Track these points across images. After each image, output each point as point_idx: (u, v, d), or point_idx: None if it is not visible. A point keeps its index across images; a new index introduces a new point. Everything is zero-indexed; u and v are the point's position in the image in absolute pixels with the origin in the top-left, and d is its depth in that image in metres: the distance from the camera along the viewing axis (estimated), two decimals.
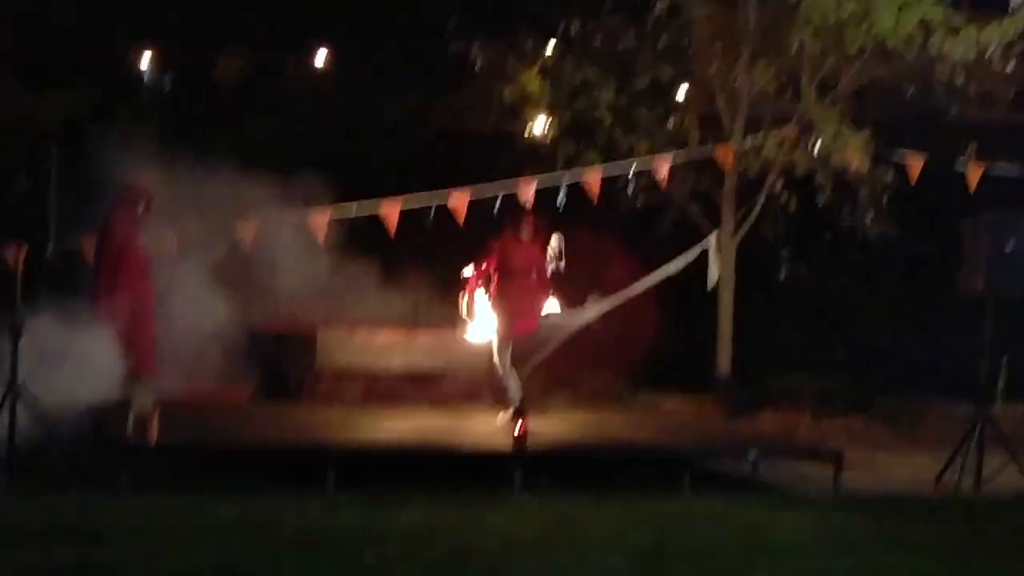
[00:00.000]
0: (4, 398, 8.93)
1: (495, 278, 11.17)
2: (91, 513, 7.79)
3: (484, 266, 11.24)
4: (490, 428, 10.61)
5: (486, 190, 12.15)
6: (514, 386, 10.86)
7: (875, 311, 15.69)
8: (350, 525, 7.81)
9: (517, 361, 11.69)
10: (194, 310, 11.14)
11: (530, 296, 11.23)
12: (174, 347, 11.06)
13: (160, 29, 16.02)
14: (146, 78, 18.16)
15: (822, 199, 14.02)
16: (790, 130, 13.92)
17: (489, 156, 14.40)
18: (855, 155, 13.38)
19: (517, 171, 13.89)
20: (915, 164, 13.20)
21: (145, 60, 16.25)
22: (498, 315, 11.05)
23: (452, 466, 9.43)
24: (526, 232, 11.34)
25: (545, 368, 12.54)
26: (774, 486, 10.09)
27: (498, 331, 10.97)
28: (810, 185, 14.07)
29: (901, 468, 11.40)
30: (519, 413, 10.57)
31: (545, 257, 11.37)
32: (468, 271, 11.39)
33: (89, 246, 11.49)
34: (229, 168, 12.26)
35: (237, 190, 11.96)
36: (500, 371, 10.89)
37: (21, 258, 9.34)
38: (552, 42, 14.42)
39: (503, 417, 10.72)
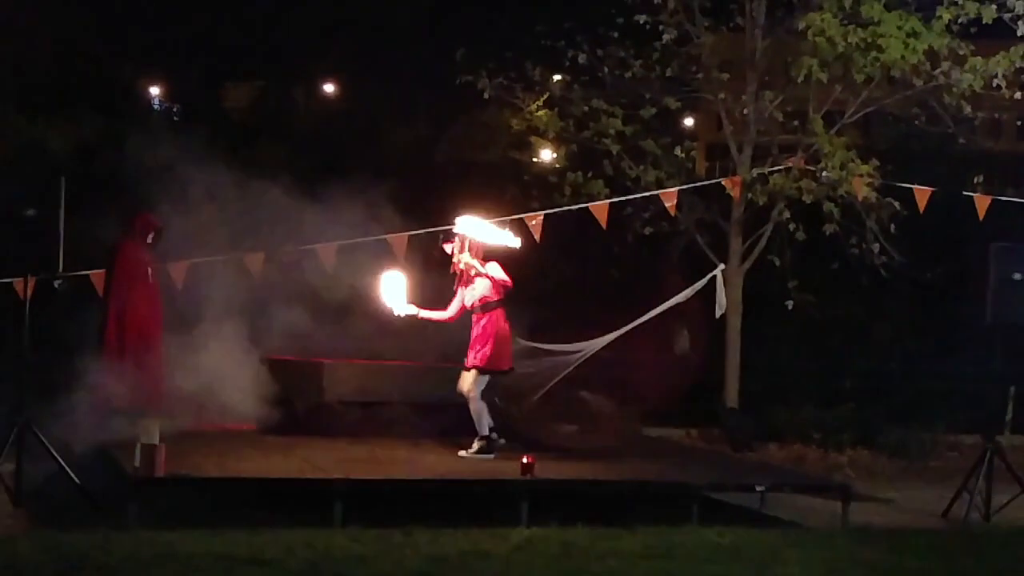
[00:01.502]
0: (13, 432, 8.92)
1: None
2: (100, 546, 7.77)
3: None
4: (495, 459, 10.58)
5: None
6: (486, 418, 10.76)
7: (882, 340, 15.69)
8: (358, 558, 7.79)
9: (517, 394, 11.67)
10: (204, 341, 11.17)
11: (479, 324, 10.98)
12: (183, 378, 11.10)
13: (169, 59, 16.11)
14: (155, 107, 18.28)
15: (829, 228, 14.02)
16: (797, 159, 13.94)
17: (496, 185, 14.45)
18: (862, 184, 13.39)
19: (525, 200, 13.97)
20: (923, 193, 13.22)
21: (154, 89, 16.35)
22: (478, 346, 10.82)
23: (459, 498, 9.40)
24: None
25: (550, 400, 12.53)
26: (782, 519, 10.06)
27: (476, 361, 10.76)
28: (817, 214, 14.07)
29: (909, 500, 11.35)
30: (488, 446, 10.56)
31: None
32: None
33: (98, 278, 11.53)
34: (238, 198, 12.29)
35: (247, 220, 12.00)
36: (474, 402, 10.74)
37: (30, 290, 9.33)
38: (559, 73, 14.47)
39: (470, 451, 10.62)
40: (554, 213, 12.96)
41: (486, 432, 10.65)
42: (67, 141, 14.97)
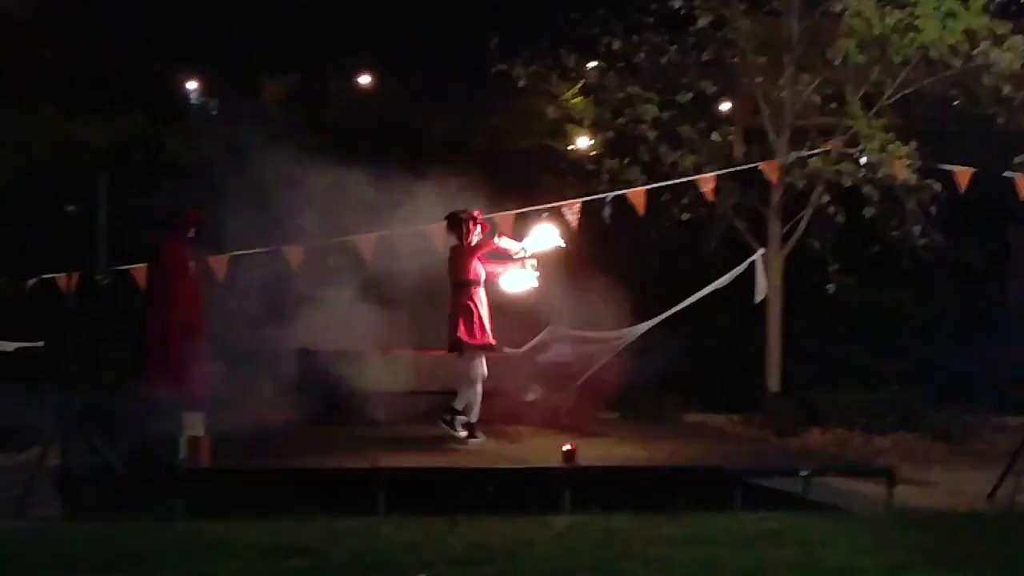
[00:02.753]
0: (57, 424, 9.01)
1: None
2: (146, 539, 7.84)
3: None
4: (539, 448, 10.60)
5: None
6: (476, 404, 10.74)
7: (925, 322, 15.58)
8: (402, 546, 7.83)
9: (558, 382, 11.67)
10: (246, 334, 11.24)
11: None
12: (226, 371, 11.18)
13: (205, 53, 16.17)
14: (192, 102, 18.36)
15: (869, 211, 13.94)
16: (836, 142, 13.86)
17: (533, 173, 14.44)
18: (901, 166, 13.30)
19: (561, 188, 13.97)
20: (963, 174, 13.12)
21: (191, 84, 16.43)
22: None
23: (501, 486, 9.42)
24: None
25: (592, 388, 12.54)
26: (826, 504, 10.02)
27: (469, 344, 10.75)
28: (857, 197, 14.00)
29: (954, 483, 11.28)
30: (469, 431, 10.57)
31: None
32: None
33: (140, 272, 11.61)
34: (276, 191, 12.35)
35: (286, 213, 12.07)
36: (469, 385, 10.73)
37: (74, 285, 9.41)
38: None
39: (457, 432, 10.62)
40: (591, 201, 12.96)
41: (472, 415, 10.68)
42: (106, 137, 15.06)
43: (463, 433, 10.63)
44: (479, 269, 10.77)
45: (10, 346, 11.12)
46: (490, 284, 10.92)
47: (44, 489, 8.97)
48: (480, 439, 10.67)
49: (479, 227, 10.85)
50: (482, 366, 10.73)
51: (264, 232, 12.16)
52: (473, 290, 10.72)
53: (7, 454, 10.39)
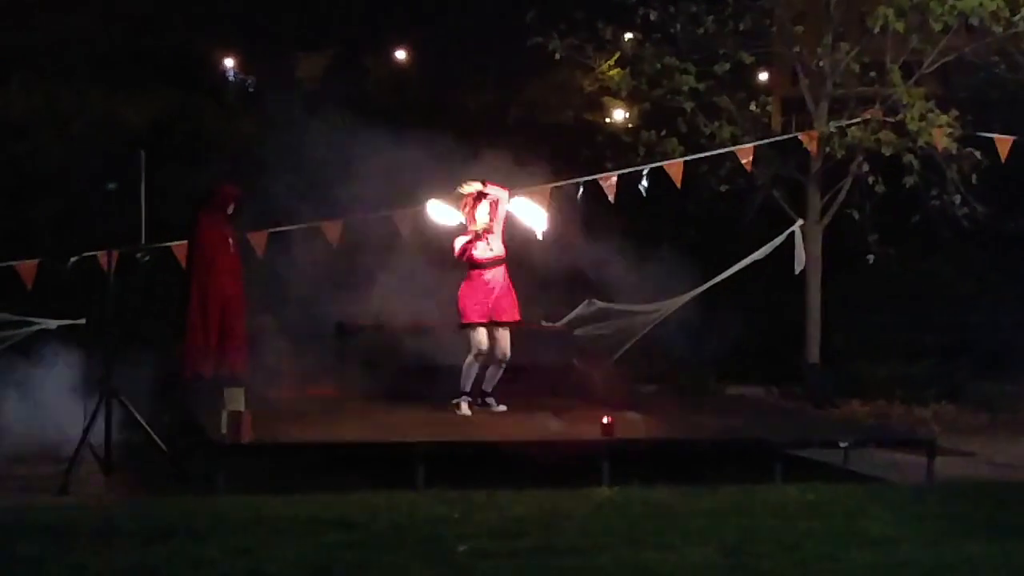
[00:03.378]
0: (100, 401, 9.10)
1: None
2: (189, 512, 7.92)
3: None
4: (575, 420, 10.61)
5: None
6: (472, 376, 10.76)
7: (966, 293, 15.46)
8: (442, 519, 7.87)
9: (595, 355, 11.66)
10: (287, 309, 11.29)
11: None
12: (267, 345, 11.25)
13: (242, 30, 16.22)
14: (229, 78, 18.43)
15: (909, 180, 13.83)
16: (875, 111, 13.74)
17: (570, 147, 14.41)
18: (942, 134, 13.18)
19: (598, 161, 13.93)
20: (1004, 142, 12.98)
21: (228, 61, 16.48)
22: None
23: (540, 459, 9.44)
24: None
25: (631, 361, 12.53)
26: (866, 475, 9.98)
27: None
28: (897, 166, 13.88)
29: (995, 454, 11.22)
30: (466, 403, 10.61)
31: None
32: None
33: (180, 249, 11.69)
34: (314, 166, 12.40)
35: (326, 187, 12.10)
36: (471, 358, 10.76)
37: (113, 263, 9.48)
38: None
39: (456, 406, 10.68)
40: (628, 173, 12.92)
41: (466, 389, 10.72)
42: (144, 114, 15.15)
43: (501, 407, 10.69)
44: (478, 245, 10.73)
45: (52, 324, 11.22)
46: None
47: (87, 465, 9.05)
48: (464, 410, 10.70)
49: (480, 203, 10.78)
50: (475, 340, 10.69)
51: (305, 207, 12.21)
52: (471, 269, 10.75)
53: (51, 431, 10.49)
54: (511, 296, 10.82)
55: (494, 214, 10.77)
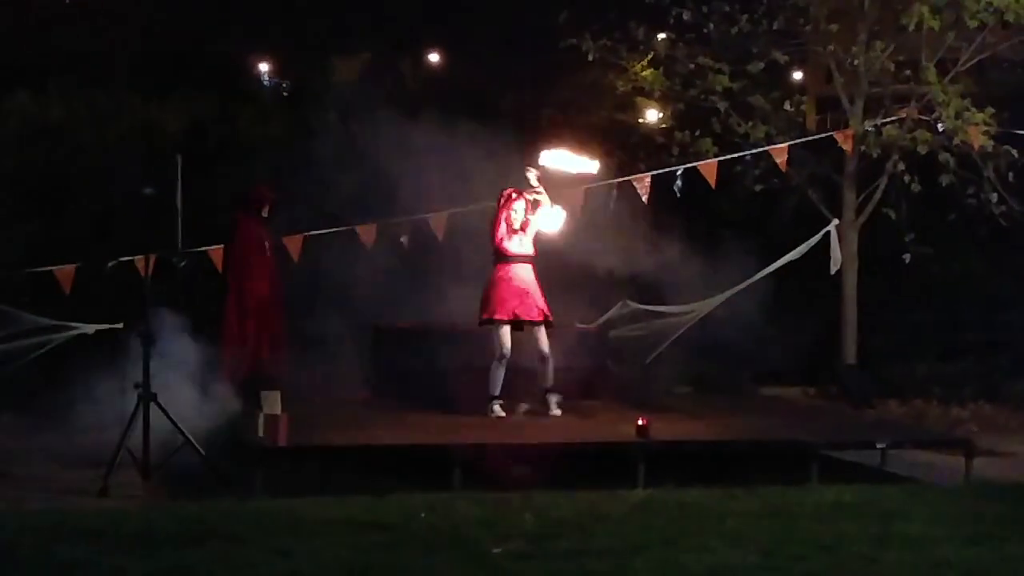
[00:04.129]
0: (138, 405, 9.16)
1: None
2: (227, 515, 7.97)
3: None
4: (610, 422, 10.61)
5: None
6: (499, 380, 10.75)
7: (1003, 291, 15.33)
8: (476, 522, 7.89)
9: (630, 357, 11.63)
10: (322, 311, 11.33)
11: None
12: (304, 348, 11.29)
13: (276, 35, 16.31)
14: (264, 83, 18.54)
15: (946, 179, 13.74)
16: (911, 110, 13.67)
17: (603, 147, 14.37)
18: (978, 133, 13.10)
19: (632, 162, 13.91)
20: None
21: (263, 66, 16.57)
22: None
23: (575, 461, 9.45)
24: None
25: (667, 361, 12.50)
26: (903, 476, 9.94)
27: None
28: (933, 165, 13.80)
29: None
30: (497, 405, 10.60)
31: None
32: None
33: (217, 254, 11.76)
34: (349, 169, 12.44)
35: (359, 192, 12.15)
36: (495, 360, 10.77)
37: (151, 267, 9.55)
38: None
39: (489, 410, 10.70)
40: (662, 174, 12.90)
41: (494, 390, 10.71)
42: (180, 119, 15.25)
43: (558, 411, 10.76)
44: (510, 242, 10.76)
45: (90, 328, 11.31)
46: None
47: (126, 469, 9.13)
48: (496, 412, 10.69)
49: (516, 202, 10.80)
50: (499, 340, 10.70)
51: (339, 210, 12.26)
52: (498, 263, 10.77)
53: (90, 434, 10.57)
54: (540, 295, 10.84)
55: (531, 213, 10.82)
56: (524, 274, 10.80)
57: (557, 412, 10.76)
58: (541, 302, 10.82)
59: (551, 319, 10.87)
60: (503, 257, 10.77)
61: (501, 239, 10.74)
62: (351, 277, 11.86)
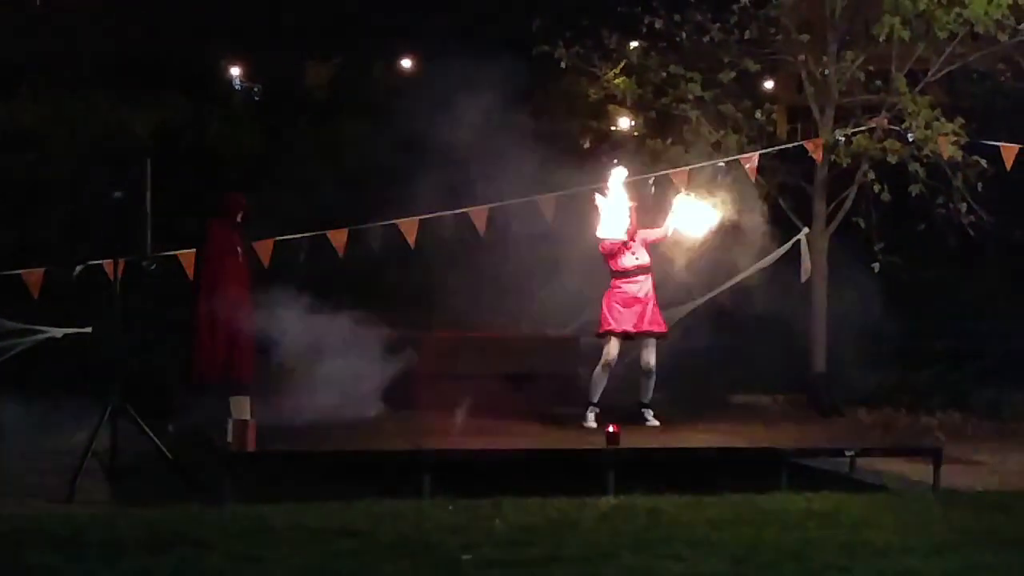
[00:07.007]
0: (106, 411, 9.11)
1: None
2: (194, 521, 7.93)
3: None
4: (581, 429, 10.61)
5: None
6: (601, 387, 10.79)
7: (971, 301, 15.44)
8: (448, 528, 7.87)
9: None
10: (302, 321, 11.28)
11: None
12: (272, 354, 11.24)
13: (248, 39, 16.26)
14: (236, 87, 18.47)
15: (915, 188, 13.81)
16: (881, 120, 13.74)
17: (576, 155, 14.40)
18: (947, 143, 13.16)
19: (604, 169, 13.90)
20: (1009, 150, 12.96)
21: (234, 70, 16.51)
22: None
23: (546, 468, 9.45)
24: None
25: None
26: (872, 484, 9.97)
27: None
28: (903, 174, 13.86)
29: (1002, 463, 11.20)
30: (592, 415, 10.67)
31: None
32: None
33: (187, 258, 11.70)
34: (321, 175, 12.39)
35: (329, 198, 12.11)
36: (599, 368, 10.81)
37: (119, 272, 9.50)
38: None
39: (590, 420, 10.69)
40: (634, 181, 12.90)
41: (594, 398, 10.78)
42: (151, 123, 15.18)
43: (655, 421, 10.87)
44: (625, 253, 10.83)
45: (58, 332, 11.24)
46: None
47: (93, 474, 9.07)
48: (589, 422, 10.72)
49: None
50: (606, 349, 10.78)
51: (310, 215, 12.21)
52: (614, 278, 10.83)
53: (57, 439, 10.50)
54: (656, 307, 10.90)
55: (633, 219, 10.84)
56: (643, 286, 10.84)
57: (655, 423, 10.87)
58: (659, 314, 10.92)
59: (667, 334, 11.00)
60: (617, 272, 10.84)
61: (609, 254, 10.77)
62: (325, 281, 11.83)
